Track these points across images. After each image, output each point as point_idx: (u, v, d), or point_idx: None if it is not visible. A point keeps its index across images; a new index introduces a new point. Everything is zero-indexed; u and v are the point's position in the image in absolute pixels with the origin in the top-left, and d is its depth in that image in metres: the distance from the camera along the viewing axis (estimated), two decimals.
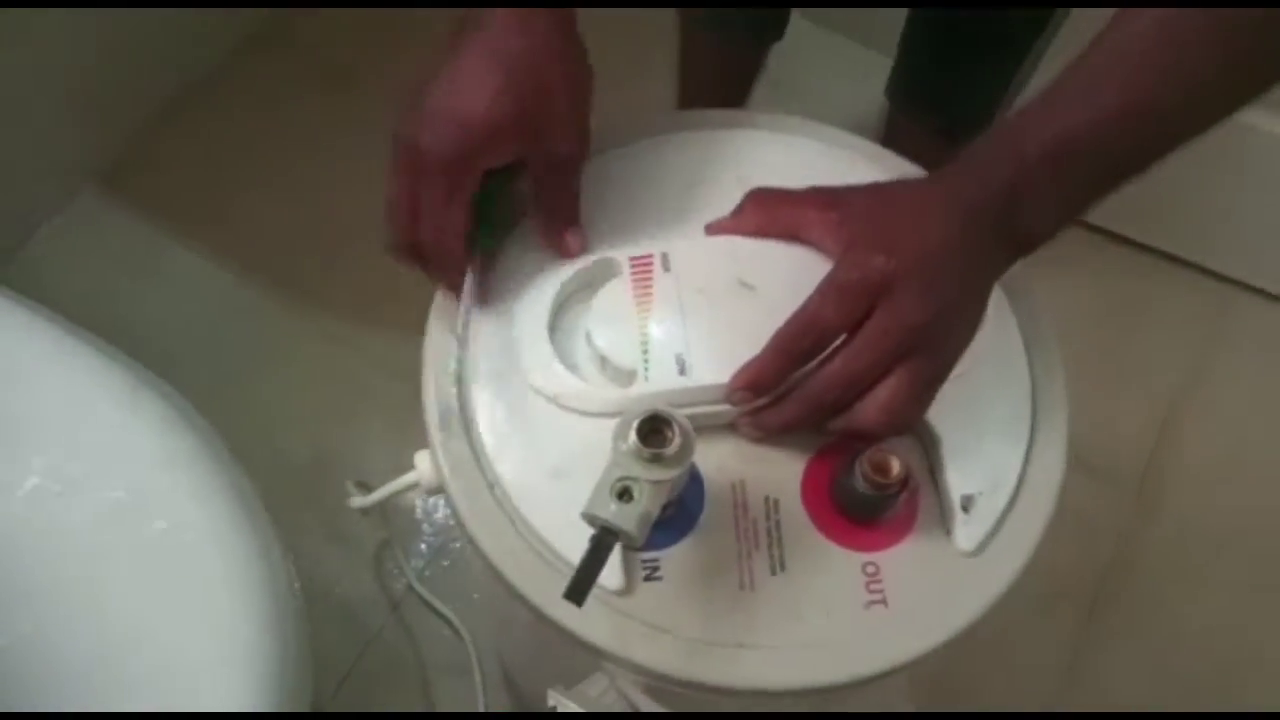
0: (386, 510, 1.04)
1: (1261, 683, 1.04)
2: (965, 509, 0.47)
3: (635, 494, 0.41)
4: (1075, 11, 0.86)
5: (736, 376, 0.46)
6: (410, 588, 1.04)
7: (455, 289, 0.51)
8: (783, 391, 0.46)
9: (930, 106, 0.99)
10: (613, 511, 0.41)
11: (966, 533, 0.47)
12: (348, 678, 1.02)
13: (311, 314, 1.18)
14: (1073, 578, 1.12)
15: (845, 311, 0.44)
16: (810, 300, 0.45)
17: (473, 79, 0.45)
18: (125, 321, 1.14)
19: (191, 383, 1.13)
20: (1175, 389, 1.23)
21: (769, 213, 0.51)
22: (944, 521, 0.49)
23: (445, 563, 1.07)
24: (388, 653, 1.03)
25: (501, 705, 1.00)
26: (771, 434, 0.48)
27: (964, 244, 0.45)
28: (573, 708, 0.70)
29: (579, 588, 0.41)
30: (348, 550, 1.06)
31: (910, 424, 0.47)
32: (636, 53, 1.04)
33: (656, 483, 0.41)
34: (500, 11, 0.46)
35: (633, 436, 0.41)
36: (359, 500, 0.63)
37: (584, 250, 0.51)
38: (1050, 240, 0.46)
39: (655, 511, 0.42)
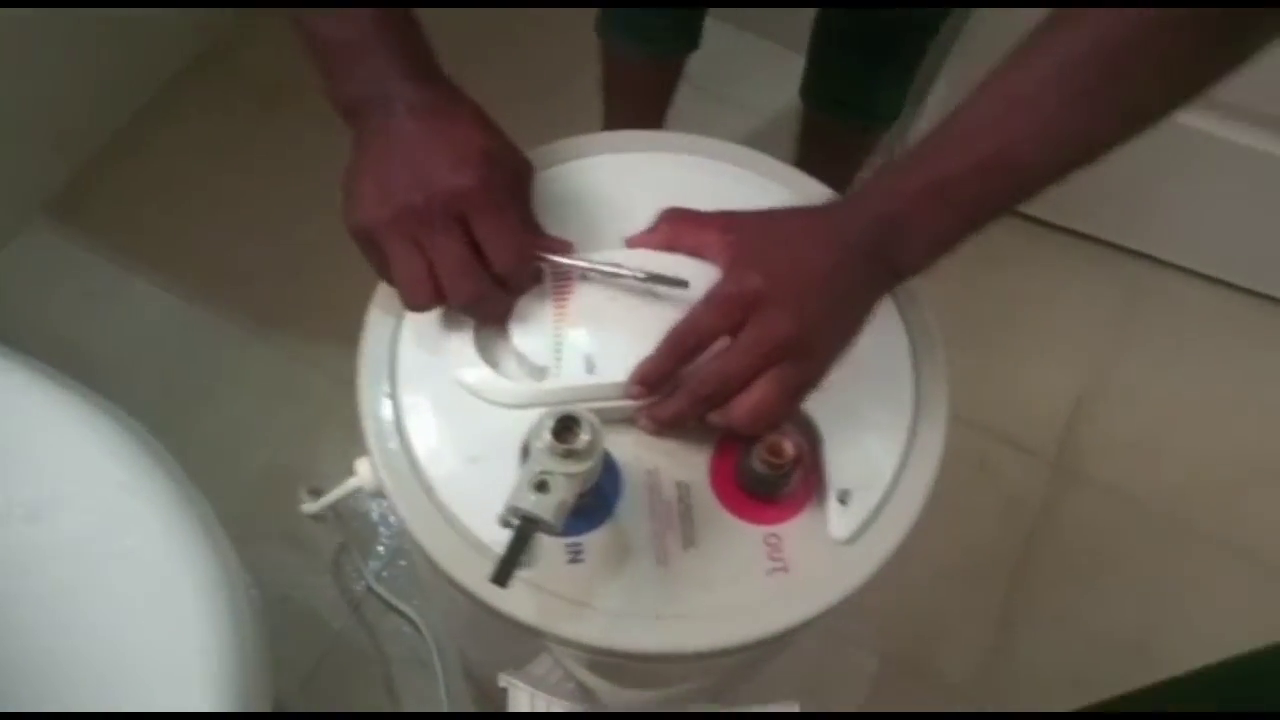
0: (342, 515, 1.08)
1: (1179, 641, 1.12)
2: (842, 501, 0.53)
3: (552, 486, 0.46)
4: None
5: (633, 373, 0.52)
6: (369, 588, 1.09)
7: (501, 318, 0.54)
8: (671, 389, 0.52)
9: (842, 105, 1.05)
10: (532, 502, 0.46)
11: (841, 523, 0.53)
12: (312, 677, 1.06)
13: (266, 332, 1.21)
14: (998, 548, 1.19)
15: (721, 319, 0.50)
16: (695, 308, 0.51)
17: (435, 141, 0.50)
18: (82, 348, 1.17)
19: (151, 404, 1.16)
20: (1092, 364, 1.31)
21: (678, 230, 0.56)
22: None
23: (403, 563, 1.11)
24: (350, 652, 1.08)
25: (462, 695, 1.05)
26: (664, 427, 0.53)
27: (838, 270, 0.50)
28: (522, 687, 0.76)
29: (503, 571, 0.46)
30: (307, 556, 1.11)
31: (775, 422, 0.52)
32: (560, 76, 1.08)
33: (570, 475, 0.46)
34: (400, 90, 0.51)
35: (547, 435, 0.46)
36: (309, 506, 0.67)
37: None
38: (925, 269, 0.52)
39: (571, 500, 0.47)
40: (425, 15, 0.53)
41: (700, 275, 0.53)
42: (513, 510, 0.46)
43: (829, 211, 0.54)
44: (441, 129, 0.51)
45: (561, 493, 0.46)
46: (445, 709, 1.04)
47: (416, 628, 1.07)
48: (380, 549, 1.12)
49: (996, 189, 0.50)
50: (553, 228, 0.58)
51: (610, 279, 0.55)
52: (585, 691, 0.71)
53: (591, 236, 0.58)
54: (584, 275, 0.55)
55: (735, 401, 0.50)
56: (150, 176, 1.31)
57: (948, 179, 0.49)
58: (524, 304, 0.55)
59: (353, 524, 1.11)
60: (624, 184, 0.62)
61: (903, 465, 0.55)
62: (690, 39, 1.06)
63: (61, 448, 0.62)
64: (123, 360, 1.19)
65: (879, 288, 0.53)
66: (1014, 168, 0.49)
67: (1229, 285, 1.36)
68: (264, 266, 1.23)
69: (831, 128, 1.09)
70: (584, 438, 0.46)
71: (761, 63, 1.42)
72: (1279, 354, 1.34)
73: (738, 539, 0.53)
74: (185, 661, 0.59)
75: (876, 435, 0.55)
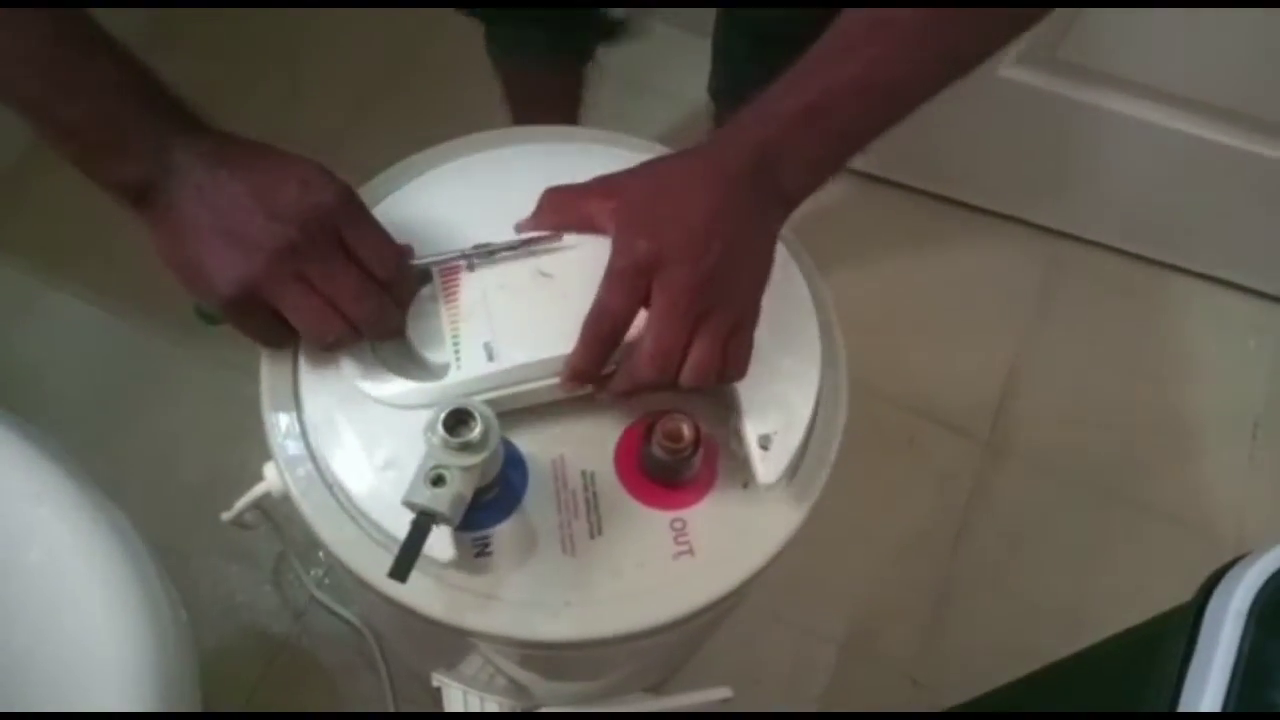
0: (279, 523, 1.07)
1: (1112, 603, 1.14)
2: (764, 446, 0.53)
3: (448, 479, 0.47)
4: None
5: (564, 371, 0.52)
6: (312, 596, 1.08)
7: (399, 331, 0.54)
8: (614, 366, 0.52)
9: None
10: (428, 496, 0.46)
11: (766, 468, 0.53)
12: (258, 688, 1.05)
13: (196, 342, 1.19)
14: (933, 524, 1.21)
15: (627, 294, 0.49)
16: (599, 292, 0.50)
17: (261, 176, 0.48)
18: (4, 364, 1.15)
19: (79, 419, 1.15)
20: (1016, 340, 1.33)
21: (561, 209, 0.56)
22: (742, 475, 0.55)
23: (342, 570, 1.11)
24: (295, 659, 1.07)
25: (411, 696, 1.05)
26: (627, 395, 0.52)
27: (727, 207, 0.49)
28: (454, 685, 0.76)
29: (402, 565, 0.46)
30: (247, 566, 1.10)
31: (736, 373, 0.51)
32: (471, 92, 1.08)
33: (466, 468, 0.47)
34: (199, 142, 0.49)
35: (439, 429, 0.47)
36: (226, 514, 0.67)
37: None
38: (811, 193, 0.52)
39: (468, 493, 0.47)
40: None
41: (589, 249, 0.54)
42: (409, 505, 0.47)
43: (707, 150, 0.52)
44: (259, 166, 0.48)
45: (457, 486, 0.47)
46: (393, 709, 1.04)
47: (360, 633, 1.07)
48: (321, 555, 1.11)
49: (870, 109, 0.51)
50: (436, 224, 0.58)
51: (492, 260, 0.55)
52: (516, 686, 0.72)
53: (476, 229, 0.58)
54: (469, 267, 0.55)
55: (684, 368, 0.49)
56: (69, 187, 1.27)
57: (820, 102, 0.50)
58: (416, 308, 0.55)
59: (290, 533, 1.10)
60: (511, 174, 0.62)
61: (816, 406, 0.56)
62: (577, 51, 1.05)
63: None
64: (47, 376, 1.17)
65: (775, 219, 0.53)
66: (885, 86, 0.51)
67: (1143, 259, 1.39)
68: None
69: None
70: (476, 429, 0.47)
71: (679, 52, 1.43)
72: (1195, 322, 1.38)
73: (644, 525, 0.54)
74: (100, 672, 0.58)
75: (787, 381, 0.56)
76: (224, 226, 0.47)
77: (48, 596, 0.60)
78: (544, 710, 0.75)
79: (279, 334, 0.52)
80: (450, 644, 0.63)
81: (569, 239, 0.55)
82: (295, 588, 1.10)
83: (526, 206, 0.59)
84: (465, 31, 1.02)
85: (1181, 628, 0.63)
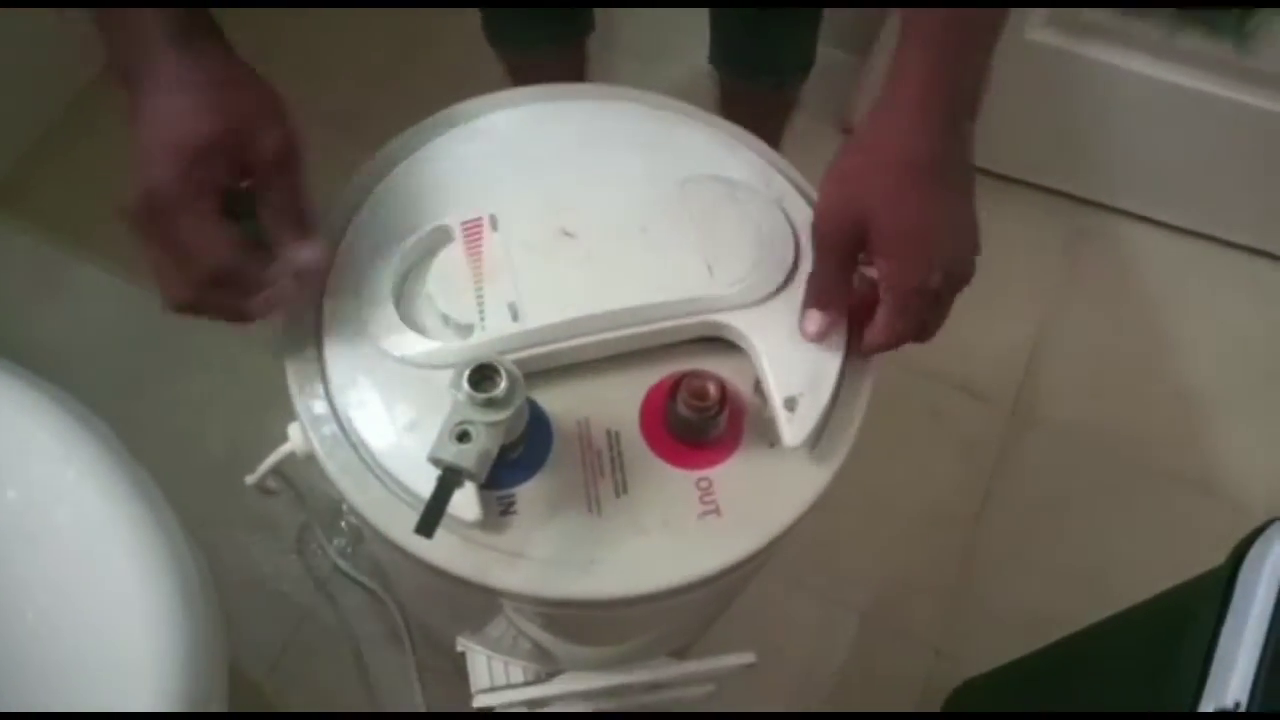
0: (303, 494, 1.08)
1: (1138, 572, 1.13)
2: (790, 408, 0.53)
3: (473, 435, 0.46)
4: None
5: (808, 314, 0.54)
6: (335, 566, 1.09)
7: (261, 314, 0.50)
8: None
9: (750, 66, 1.05)
10: (453, 452, 0.46)
11: (792, 430, 0.52)
12: (281, 657, 1.06)
13: None
14: (958, 494, 1.20)
15: (914, 321, 0.52)
16: (891, 320, 0.52)
17: (164, 115, 0.47)
18: (30, 339, 1.16)
19: (105, 390, 1.15)
20: (1043, 310, 1.32)
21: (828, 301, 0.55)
22: (769, 434, 0.54)
23: (366, 538, 1.11)
24: (320, 628, 1.08)
25: (435, 665, 1.05)
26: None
27: (965, 189, 0.52)
28: (478, 649, 0.76)
29: (428, 521, 0.46)
30: (270, 536, 1.11)
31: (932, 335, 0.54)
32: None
33: (491, 424, 0.46)
34: (162, 58, 0.47)
35: (465, 385, 0.46)
36: (250, 477, 0.67)
37: (315, 259, 0.51)
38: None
39: (494, 449, 0.47)
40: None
41: (613, 209, 0.53)
42: (434, 461, 0.46)
43: (923, 156, 0.51)
44: (194, 98, 0.47)
45: (483, 442, 0.46)
46: (415, 683, 1.05)
47: (383, 603, 1.08)
48: (344, 525, 1.12)
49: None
50: (457, 182, 0.58)
51: (514, 221, 0.55)
52: (541, 651, 0.72)
53: (499, 187, 0.57)
54: (493, 225, 0.55)
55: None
56: (95, 159, 1.29)
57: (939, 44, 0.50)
58: (441, 263, 0.55)
59: (313, 502, 1.11)
60: (534, 131, 0.62)
61: (843, 368, 0.55)
62: (580, 27, 1.05)
63: None
64: (74, 347, 1.18)
65: (965, 166, 0.52)
66: None
67: (1172, 227, 1.38)
68: None
69: (746, 92, 1.09)
70: (502, 385, 0.46)
71: (678, 19, 1.42)
72: (1225, 291, 1.36)
73: (669, 484, 0.53)
74: (127, 633, 0.59)
75: (815, 344, 0.55)
76: (141, 142, 0.48)
77: (75, 556, 0.60)
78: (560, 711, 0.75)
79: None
80: (475, 606, 0.63)
81: (585, 199, 0.55)
82: (318, 557, 1.11)
83: (545, 163, 0.59)
84: (467, 19, 1.02)
85: (1214, 593, 0.62)
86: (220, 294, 0.49)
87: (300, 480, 1.08)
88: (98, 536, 0.60)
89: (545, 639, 0.68)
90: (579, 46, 1.08)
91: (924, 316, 0.52)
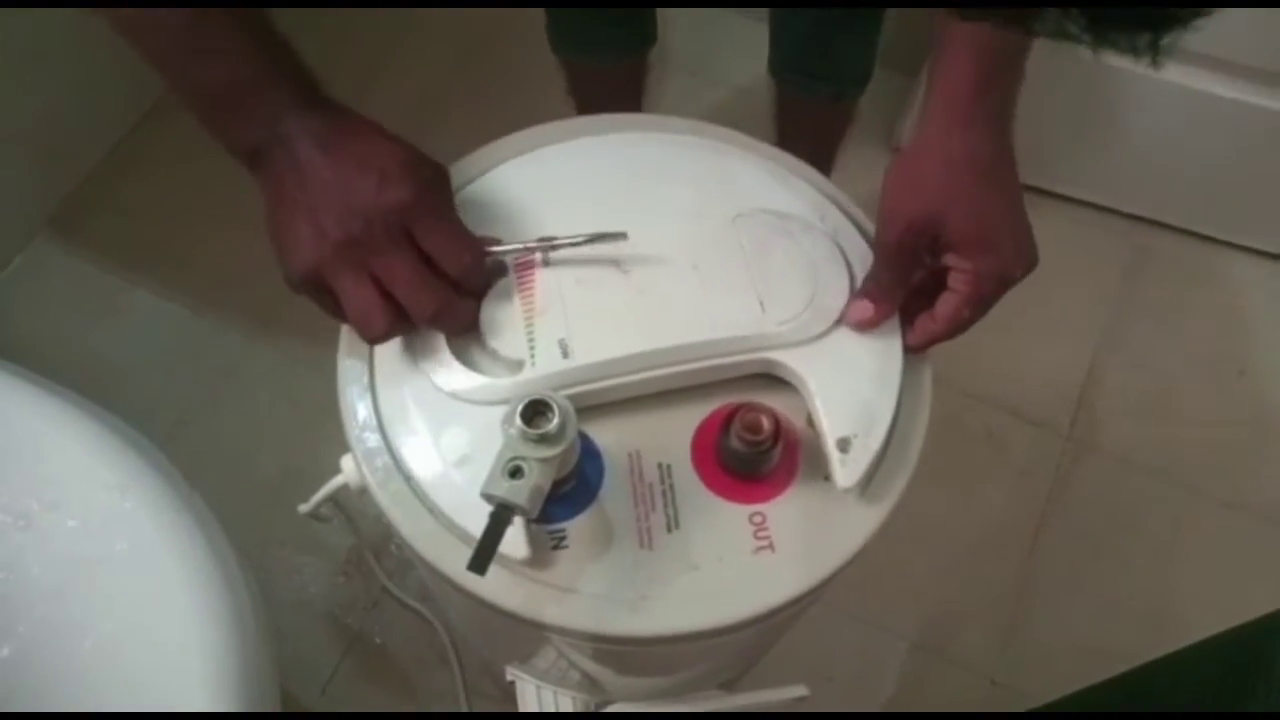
0: (353, 518, 1.09)
1: (1199, 605, 1.10)
2: (843, 450, 0.52)
3: (526, 471, 0.46)
4: None
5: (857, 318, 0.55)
6: (384, 589, 1.09)
7: (470, 325, 0.54)
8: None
9: (809, 75, 1.04)
10: (506, 488, 0.46)
11: (845, 472, 0.51)
12: (333, 678, 1.07)
13: (270, 338, 1.22)
14: (1012, 521, 1.18)
15: (981, 314, 0.55)
16: (959, 309, 0.54)
17: (346, 167, 0.49)
18: (87, 360, 1.19)
19: (159, 414, 1.17)
20: (1099, 331, 1.29)
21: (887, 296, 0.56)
22: (823, 467, 0.54)
23: (416, 563, 1.12)
24: (369, 651, 1.08)
25: (483, 689, 1.05)
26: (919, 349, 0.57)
27: (1019, 187, 0.54)
28: (527, 679, 0.76)
29: (481, 558, 0.46)
30: (321, 558, 1.12)
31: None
32: (532, 97, 1.08)
33: (544, 460, 0.46)
34: (309, 122, 0.49)
35: (518, 420, 0.46)
36: (304, 506, 0.67)
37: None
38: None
39: (546, 485, 0.47)
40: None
41: (666, 246, 0.53)
42: (487, 497, 0.46)
43: (965, 150, 0.53)
44: (353, 151, 0.50)
45: (535, 478, 0.46)
46: (464, 706, 1.05)
47: (432, 626, 1.08)
48: (394, 548, 1.12)
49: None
50: (511, 215, 0.58)
51: (567, 255, 0.55)
52: (590, 681, 0.71)
53: (552, 221, 0.57)
54: (545, 262, 0.55)
55: None
56: (150, 187, 1.33)
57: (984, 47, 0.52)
58: (491, 303, 0.55)
59: (364, 526, 1.11)
60: (587, 165, 0.61)
61: (898, 409, 0.54)
62: (644, 37, 1.05)
63: (50, 453, 0.63)
64: (129, 371, 1.20)
65: (1014, 165, 0.55)
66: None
67: (1227, 244, 1.34)
68: (265, 272, 1.23)
69: (803, 101, 1.08)
70: (554, 421, 0.46)
71: (732, 35, 1.42)
72: (1278, 309, 1.32)
73: (722, 519, 0.53)
74: (184, 661, 0.59)
75: (869, 382, 0.54)
76: (308, 206, 0.49)
77: (134, 586, 0.61)
78: (611, 710, 0.75)
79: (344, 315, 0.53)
80: (525, 638, 0.63)
81: (635, 234, 0.54)
82: (368, 580, 1.11)
83: (598, 197, 0.59)
84: (530, 26, 1.02)
85: None
86: (435, 308, 0.51)
87: (351, 505, 1.08)
88: (154, 565, 0.61)
89: (595, 670, 0.67)
90: (641, 56, 1.08)
91: (988, 308, 0.54)
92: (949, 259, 0.53)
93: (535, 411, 0.47)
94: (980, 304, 0.54)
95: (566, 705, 0.74)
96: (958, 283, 0.54)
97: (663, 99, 1.13)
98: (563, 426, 0.46)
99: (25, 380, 0.66)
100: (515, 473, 0.46)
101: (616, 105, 1.08)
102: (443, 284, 0.51)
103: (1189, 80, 1.16)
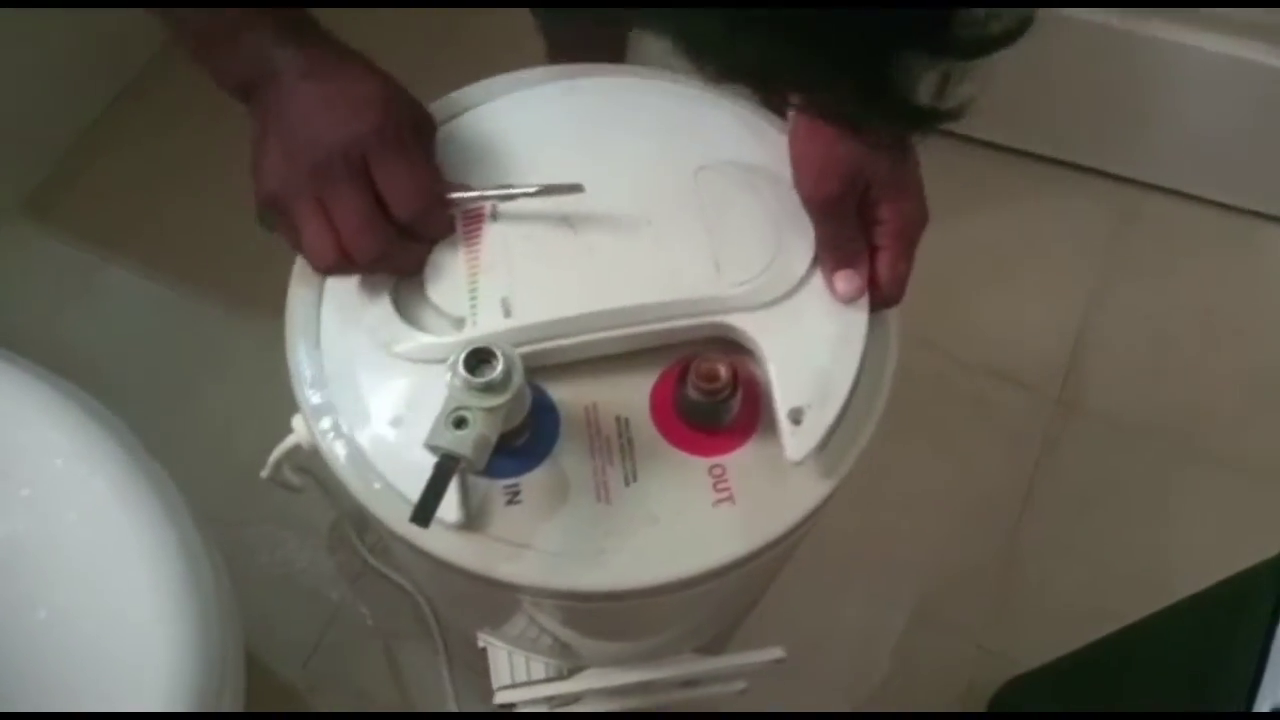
0: (332, 490, 1.07)
1: (1190, 564, 1.08)
2: (795, 420, 0.50)
3: (470, 421, 0.44)
4: None
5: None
6: (365, 562, 1.08)
7: (415, 269, 0.53)
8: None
9: None
10: (450, 439, 0.44)
11: (795, 444, 0.49)
12: (315, 653, 1.06)
13: (250, 316, 1.20)
14: (1003, 483, 1.16)
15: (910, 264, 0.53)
16: (895, 263, 0.52)
17: (334, 87, 0.49)
18: (60, 343, 1.17)
19: (137, 393, 1.16)
20: (1088, 293, 1.27)
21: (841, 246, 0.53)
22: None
23: None
24: (351, 624, 1.07)
25: (467, 661, 1.04)
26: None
27: None
28: (499, 645, 0.75)
29: (423, 510, 0.44)
30: (302, 533, 1.11)
31: None
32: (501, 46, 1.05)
33: (488, 409, 0.45)
34: (294, 56, 0.50)
35: (460, 369, 0.45)
36: (264, 471, 0.66)
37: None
38: None
39: (493, 436, 0.45)
40: None
41: (616, 203, 0.51)
42: (431, 448, 0.45)
43: None
44: (335, 85, 0.50)
45: (480, 428, 0.44)
46: (447, 680, 1.04)
47: (414, 599, 1.07)
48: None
49: None
50: (465, 168, 0.56)
51: (516, 209, 0.53)
52: (562, 646, 0.70)
53: (505, 175, 0.55)
54: (493, 215, 0.53)
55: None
56: (126, 166, 1.31)
57: None
58: (438, 255, 0.53)
59: (343, 499, 1.10)
60: (547, 116, 0.59)
61: (857, 380, 0.52)
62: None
63: (2, 420, 0.62)
64: (105, 351, 1.19)
65: None
66: None
67: (1221, 205, 1.32)
68: (243, 250, 1.21)
69: None
70: (498, 369, 0.45)
71: None
72: (1268, 269, 1.30)
73: (681, 472, 0.51)
74: (141, 632, 0.58)
75: (827, 352, 0.52)
76: (282, 134, 0.49)
77: (89, 556, 0.60)
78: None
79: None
80: (491, 600, 0.62)
81: (591, 187, 0.53)
82: (350, 554, 1.10)
83: (558, 146, 0.57)
84: None
85: (1269, 584, 0.59)
86: (375, 251, 0.50)
87: (328, 477, 1.07)
88: (110, 534, 0.60)
89: (565, 633, 0.66)
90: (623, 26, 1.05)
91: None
92: (881, 210, 0.52)
93: (479, 360, 0.45)
94: (909, 256, 0.52)
95: (539, 672, 0.72)
96: (887, 236, 0.52)
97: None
98: (508, 375, 0.45)
99: None
100: (460, 423, 0.45)
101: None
102: (390, 228, 0.50)
103: (1174, 34, 1.13)
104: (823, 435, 0.50)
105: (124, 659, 0.58)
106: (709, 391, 0.49)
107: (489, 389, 0.45)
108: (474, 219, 0.53)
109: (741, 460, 0.51)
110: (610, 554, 0.49)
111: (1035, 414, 1.19)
